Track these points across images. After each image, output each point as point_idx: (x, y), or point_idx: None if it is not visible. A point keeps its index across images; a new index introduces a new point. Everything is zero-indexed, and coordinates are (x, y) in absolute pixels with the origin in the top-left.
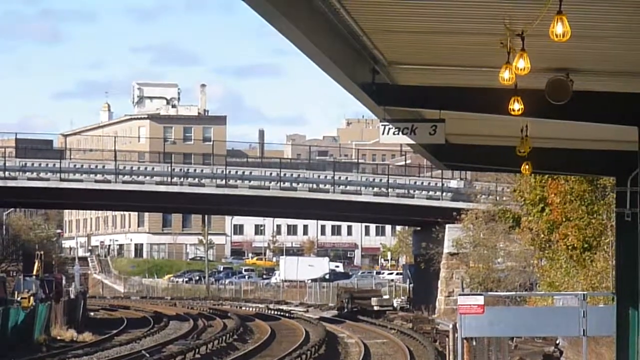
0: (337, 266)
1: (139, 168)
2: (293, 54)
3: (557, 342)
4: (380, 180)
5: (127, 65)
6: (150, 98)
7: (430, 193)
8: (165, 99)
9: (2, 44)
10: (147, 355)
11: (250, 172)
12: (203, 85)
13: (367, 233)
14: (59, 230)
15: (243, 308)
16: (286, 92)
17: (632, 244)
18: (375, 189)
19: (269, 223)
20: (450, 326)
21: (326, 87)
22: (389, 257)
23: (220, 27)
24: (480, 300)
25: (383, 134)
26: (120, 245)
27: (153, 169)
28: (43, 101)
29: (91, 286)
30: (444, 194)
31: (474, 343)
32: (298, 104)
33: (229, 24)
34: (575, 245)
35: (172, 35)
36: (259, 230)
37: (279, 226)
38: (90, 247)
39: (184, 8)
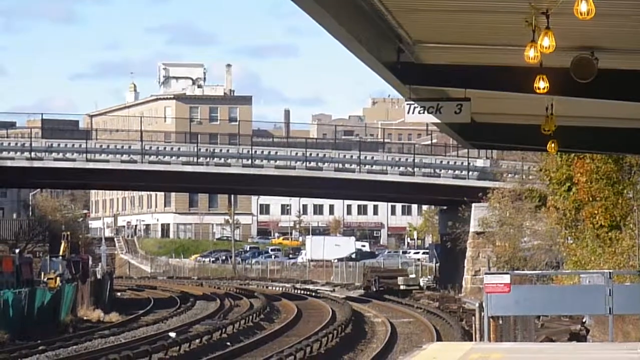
0: (364, 246)
1: (165, 148)
2: (308, 34)
3: (584, 320)
4: (406, 159)
5: (143, 46)
6: (176, 78)
7: (457, 172)
8: (191, 79)
9: (18, 23)
10: (174, 335)
11: (276, 152)
12: (229, 65)
13: (393, 212)
14: (85, 211)
15: (269, 288)
16: (304, 71)
17: None
18: (401, 169)
19: (295, 203)
20: (477, 305)
21: (345, 66)
22: (415, 237)
23: (234, 7)
24: (506, 279)
25: (408, 113)
26: (147, 226)
27: (179, 149)
28: (60, 82)
29: (118, 266)
30: (470, 173)
31: (500, 322)
32: (317, 83)
33: (241, 3)
34: (603, 224)
35: (186, 15)
36: (285, 210)
37: (305, 206)
38: (116, 228)
39: None
